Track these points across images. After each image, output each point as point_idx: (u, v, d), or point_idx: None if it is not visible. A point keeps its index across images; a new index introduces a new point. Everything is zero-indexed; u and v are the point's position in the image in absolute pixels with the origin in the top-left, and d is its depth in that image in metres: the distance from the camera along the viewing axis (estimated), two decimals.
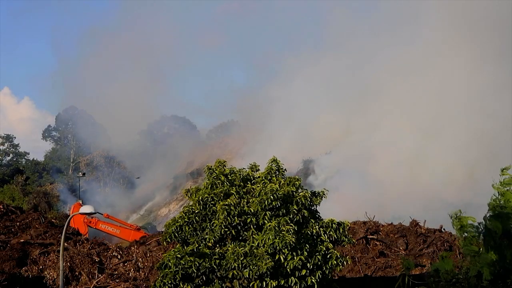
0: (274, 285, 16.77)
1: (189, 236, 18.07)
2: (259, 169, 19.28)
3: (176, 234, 18.22)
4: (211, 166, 19.09)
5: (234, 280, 17.07)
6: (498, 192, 13.97)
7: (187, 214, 18.26)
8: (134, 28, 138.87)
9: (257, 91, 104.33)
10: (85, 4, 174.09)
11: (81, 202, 43.93)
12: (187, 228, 18.11)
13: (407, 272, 15.35)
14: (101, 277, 28.34)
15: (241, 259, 16.70)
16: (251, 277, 16.66)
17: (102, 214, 41.55)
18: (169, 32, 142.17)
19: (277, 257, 16.79)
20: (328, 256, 17.75)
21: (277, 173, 18.88)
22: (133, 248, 31.62)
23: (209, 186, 18.59)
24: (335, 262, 17.72)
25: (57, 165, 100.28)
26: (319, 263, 17.48)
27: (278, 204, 17.50)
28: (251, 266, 16.58)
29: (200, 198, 18.13)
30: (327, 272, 17.75)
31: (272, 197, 17.39)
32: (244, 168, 19.28)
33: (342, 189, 56.67)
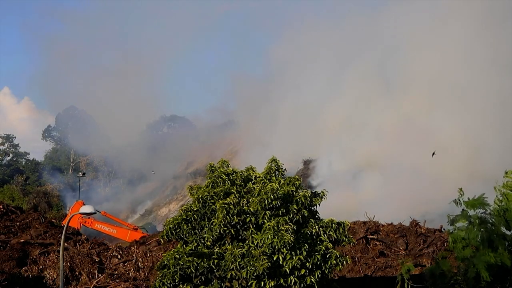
0: (272, 284, 16.77)
1: (187, 234, 18.07)
2: (255, 171, 19.31)
3: (173, 231, 18.22)
4: (214, 164, 19.12)
5: (233, 281, 17.07)
6: (500, 193, 14.05)
7: (186, 212, 18.27)
8: (132, 28, 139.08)
9: (257, 81, 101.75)
10: (83, 3, 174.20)
11: (83, 202, 43.52)
12: (185, 226, 18.11)
13: (406, 276, 15.42)
14: (101, 277, 28.34)
15: (239, 260, 16.71)
16: (248, 277, 16.67)
17: (100, 212, 41.46)
18: (164, 30, 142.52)
19: (275, 257, 16.79)
20: (327, 256, 17.75)
21: (277, 173, 18.90)
22: (133, 248, 31.64)
23: (210, 184, 18.62)
24: (335, 261, 17.71)
25: (57, 165, 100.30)
26: (318, 262, 17.48)
27: (278, 203, 17.52)
28: (248, 267, 16.58)
29: (200, 196, 18.14)
30: (326, 272, 17.75)
31: (272, 196, 17.41)
32: (245, 170, 19.31)
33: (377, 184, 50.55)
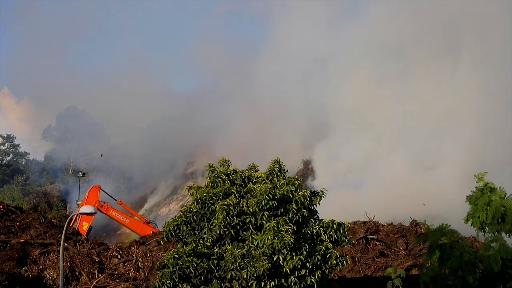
0: (273, 284, 16.78)
1: (187, 235, 18.07)
2: (258, 170, 19.27)
3: (173, 233, 18.22)
4: (213, 164, 19.10)
5: (233, 281, 17.07)
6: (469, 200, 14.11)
7: (185, 213, 18.27)
8: (130, 27, 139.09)
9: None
10: (85, 3, 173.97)
11: (100, 186, 43.48)
12: (184, 227, 18.11)
13: (398, 282, 15.44)
14: (101, 277, 28.34)
15: (239, 261, 16.70)
16: (249, 277, 16.67)
17: (116, 200, 41.74)
18: (161, 29, 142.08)
19: (275, 258, 16.79)
20: (327, 256, 17.75)
21: (279, 174, 18.84)
22: (133, 248, 31.67)
23: (210, 184, 18.60)
24: (335, 261, 17.72)
25: (57, 165, 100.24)
26: (318, 263, 17.48)
27: (275, 204, 17.48)
28: (248, 268, 16.58)
29: (199, 197, 18.13)
30: (326, 272, 17.75)
31: (268, 197, 17.37)
32: (246, 170, 19.28)
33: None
